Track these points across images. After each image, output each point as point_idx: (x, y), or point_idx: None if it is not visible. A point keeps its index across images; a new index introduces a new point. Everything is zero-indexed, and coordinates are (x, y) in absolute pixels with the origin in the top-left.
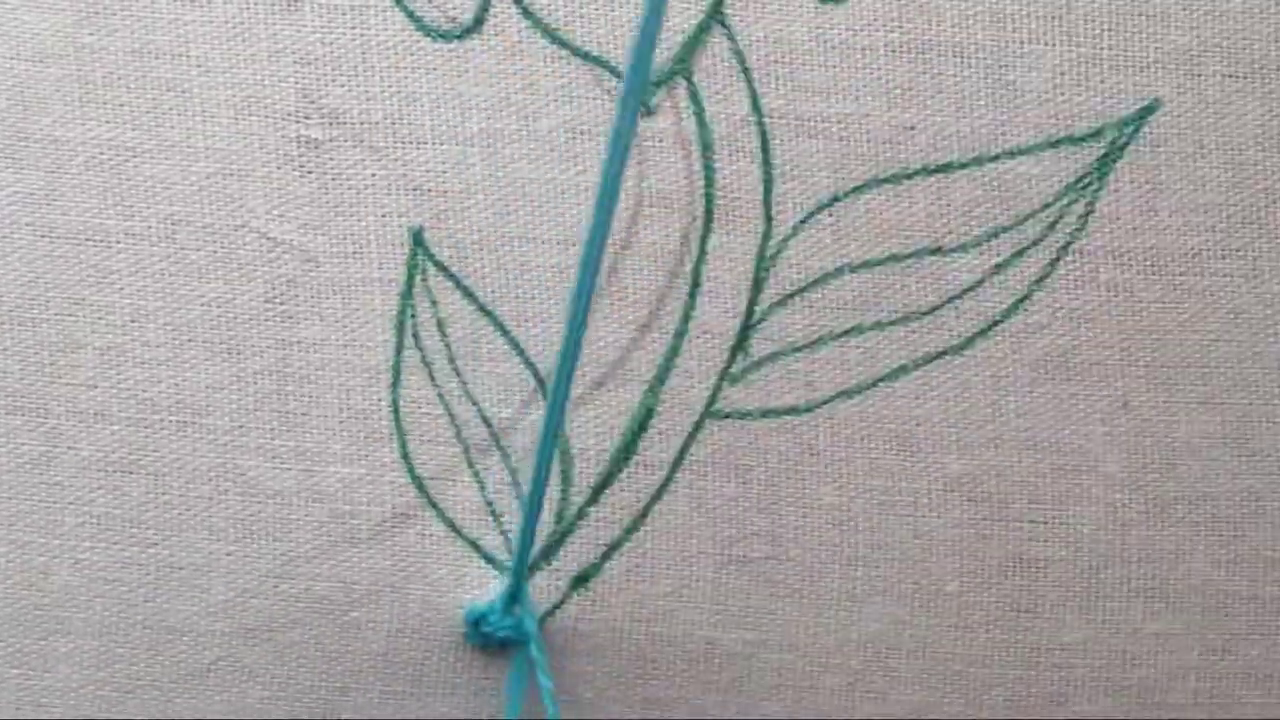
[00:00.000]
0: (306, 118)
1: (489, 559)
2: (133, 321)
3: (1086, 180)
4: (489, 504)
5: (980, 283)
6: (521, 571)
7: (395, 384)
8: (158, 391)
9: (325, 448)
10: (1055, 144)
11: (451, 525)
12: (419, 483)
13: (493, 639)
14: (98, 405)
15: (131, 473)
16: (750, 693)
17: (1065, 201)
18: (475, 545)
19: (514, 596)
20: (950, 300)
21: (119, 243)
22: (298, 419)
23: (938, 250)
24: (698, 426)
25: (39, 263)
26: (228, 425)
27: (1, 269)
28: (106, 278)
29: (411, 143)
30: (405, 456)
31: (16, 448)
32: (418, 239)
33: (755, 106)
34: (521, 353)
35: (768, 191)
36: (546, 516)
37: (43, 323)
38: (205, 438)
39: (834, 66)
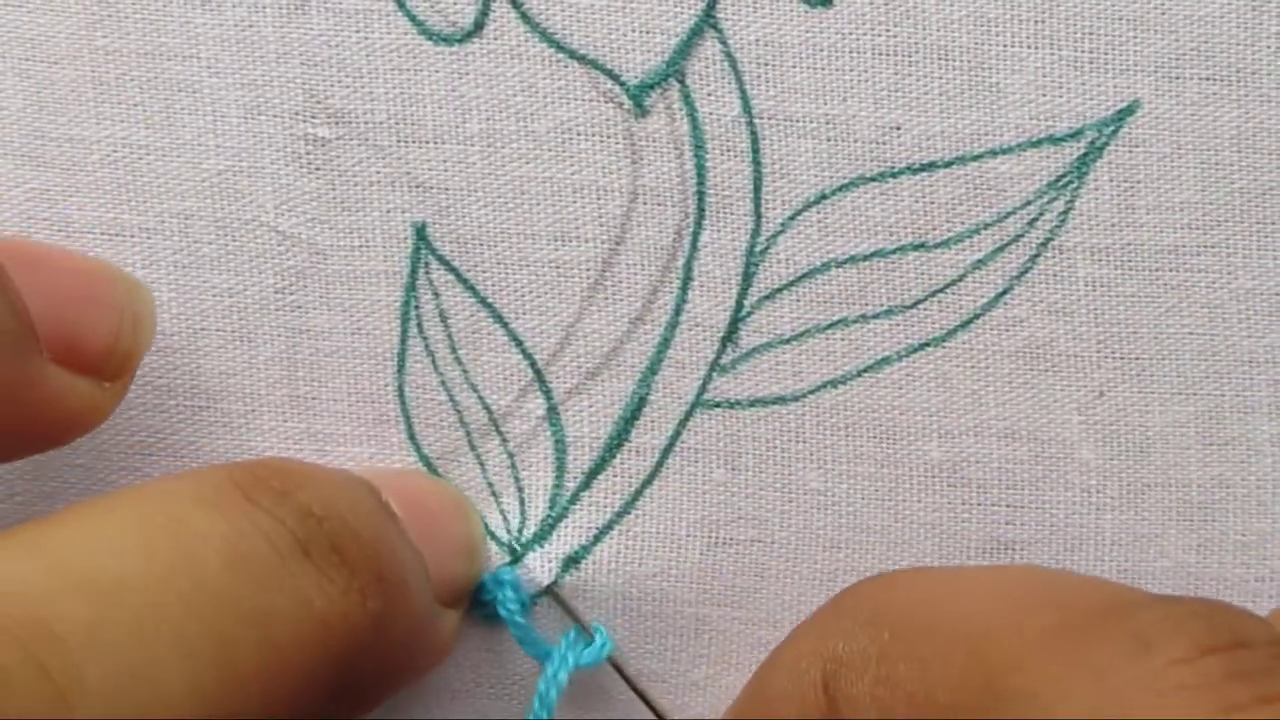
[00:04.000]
0: (313, 117)
1: (490, 535)
2: None
3: (1066, 179)
4: (489, 484)
5: (962, 277)
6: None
7: (400, 370)
8: (173, 378)
9: (335, 429)
10: (1036, 144)
11: None
12: (426, 462)
13: (489, 608)
14: None
15: (150, 455)
16: (739, 666)
17: (1045, 199)
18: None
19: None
20: (933, 294)
21: (133, 237)
22: (308, 403)
23: (921, 246)
24: (688, 415)
25: None
26: (241, 409)
27: None
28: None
29: (414, 142)
30: (413, 438)
31: None
32: (420, 233)
33: (746, 107)
34: (519, 343)
35: (757, 189)
36: (541, 502)
37: None
38: (220, 421)
39: (822, 69)
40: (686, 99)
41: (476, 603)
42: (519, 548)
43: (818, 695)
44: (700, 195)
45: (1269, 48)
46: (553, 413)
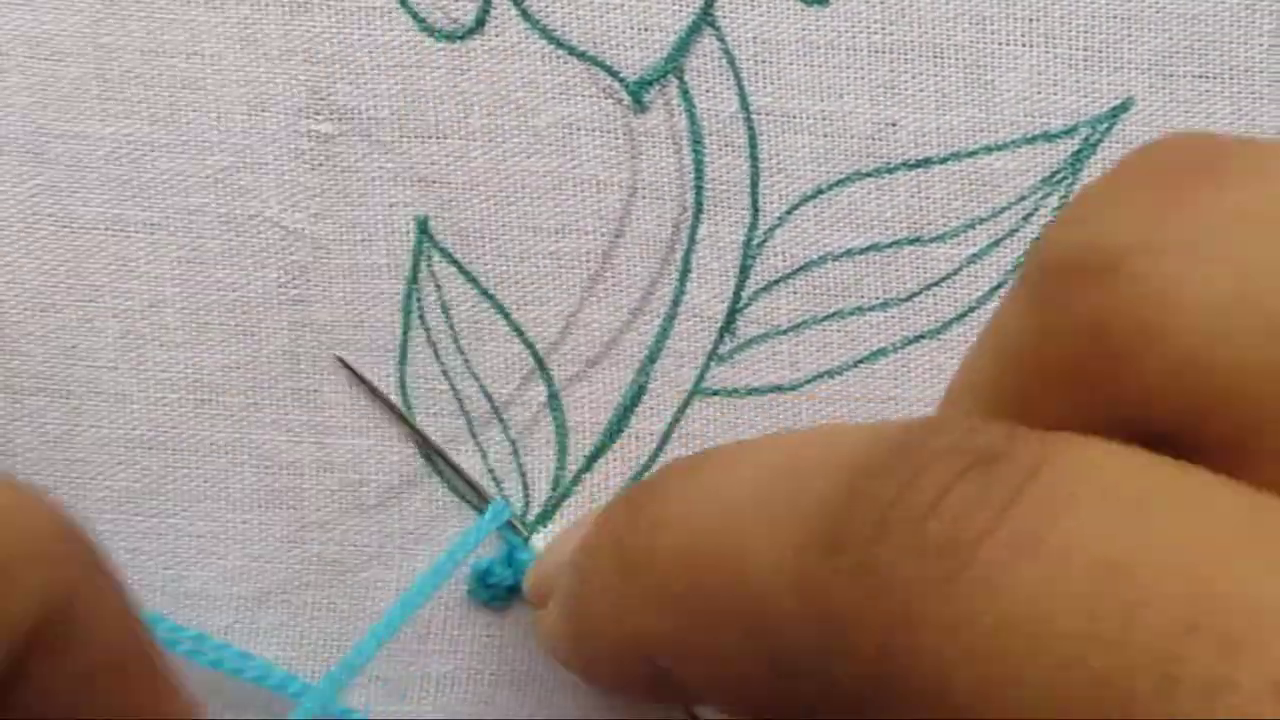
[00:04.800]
0: (317, 114)
1: (491, 518)
2: (151, 307)
3: (1060, 175)
4: (491, 472)
5: (957, 271)
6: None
7: (403, 362)
8: (176, 372)
9: (336, 421)
10: (1031, 140)
11: (456, 491)
12: (425, 453)
13: (498, 590)
14: (118, 386)
15: (151, 449)
16: None
17: (1040, 195)
18: (479, 510)
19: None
20: (928, 287)
21: (138, 232)
22: (310, 395)
23: (917, 240)
24: (686, 403)
25: (61, 252)
26: (243, 402)
27: (26, 258)
28: (126, 265)
29: (417, 137)
30: (412, 428)
31: (41, 426)
32: (423, 227)
33: (744, 104)
34: (520, 333)
35: (755, 184)
36: (544, 485)
37: (65, 308)
38: (222, 414)
39: (819, 66)
40: (685, 95)
41: (482, 586)
42: (524, 530)
43: None
44: (698, 189)
45: (1262, 45)
46: (554, 399)
